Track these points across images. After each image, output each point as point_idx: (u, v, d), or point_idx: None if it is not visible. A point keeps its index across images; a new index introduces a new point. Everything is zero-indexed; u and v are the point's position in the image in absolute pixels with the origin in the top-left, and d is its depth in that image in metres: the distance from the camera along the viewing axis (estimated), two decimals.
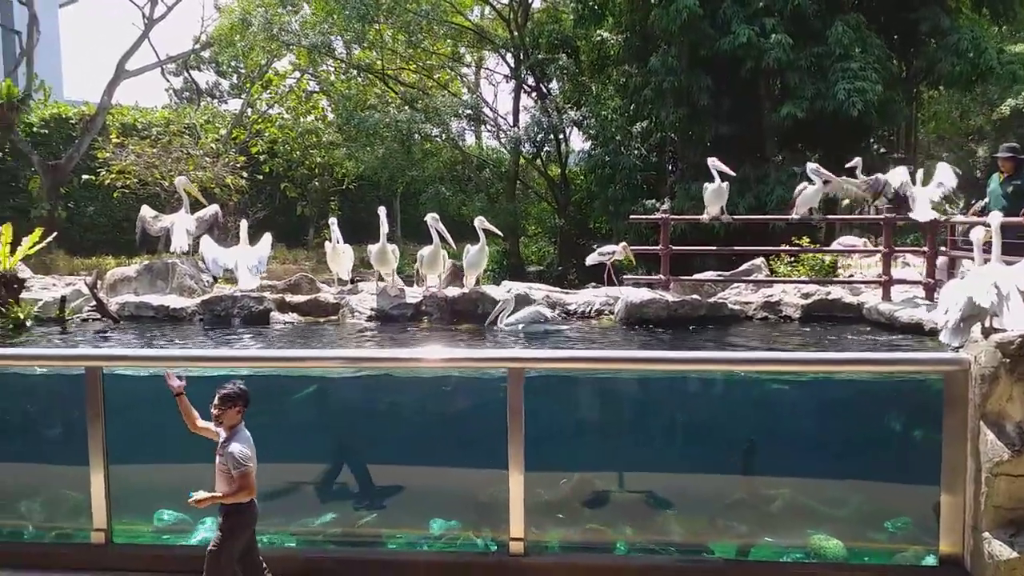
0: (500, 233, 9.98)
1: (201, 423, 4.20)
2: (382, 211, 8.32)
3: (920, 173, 7.74)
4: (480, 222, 8.19)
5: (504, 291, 8.34)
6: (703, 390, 5.47)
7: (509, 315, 7.48)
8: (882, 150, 18.04)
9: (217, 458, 4.03)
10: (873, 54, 14.55)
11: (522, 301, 8.16)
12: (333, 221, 8.76)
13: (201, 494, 4.00)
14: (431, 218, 8.14)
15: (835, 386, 5.31)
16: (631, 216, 11.38)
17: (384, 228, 8.20)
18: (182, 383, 4.21)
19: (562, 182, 21.57)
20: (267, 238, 8.65)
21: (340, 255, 8.66)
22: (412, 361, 5.23)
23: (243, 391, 4.07)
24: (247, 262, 8.24)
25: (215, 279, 9.10)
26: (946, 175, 7.59)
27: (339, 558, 5.01)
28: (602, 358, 5.52)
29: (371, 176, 22.25)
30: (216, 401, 4.03)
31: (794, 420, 5.44)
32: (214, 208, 9.64)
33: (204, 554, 4.59)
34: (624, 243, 8.68)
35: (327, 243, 8.76)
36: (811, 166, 7.98)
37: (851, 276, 10.36)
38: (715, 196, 8.27)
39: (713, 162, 8.32)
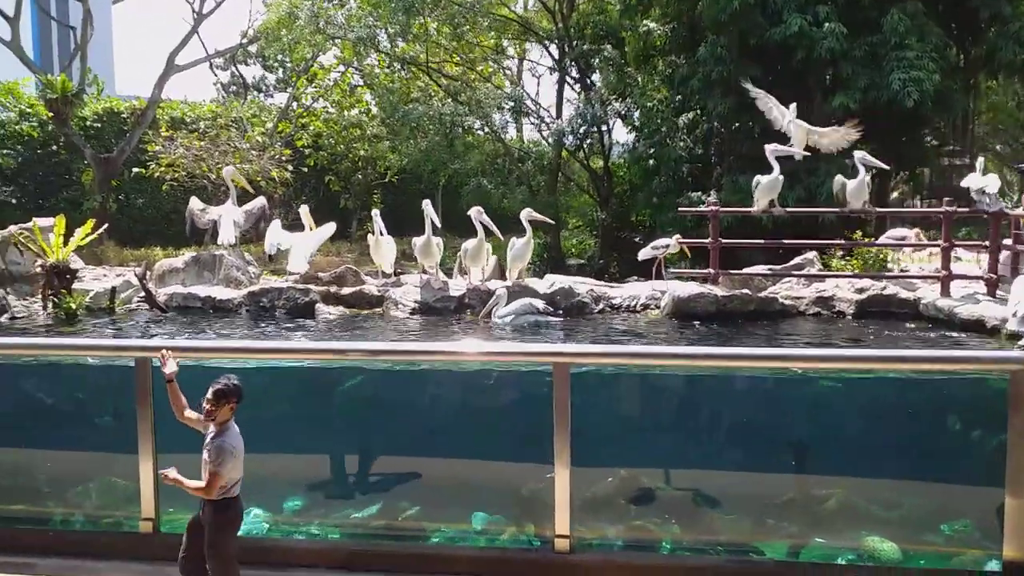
0: (551, 221, 9.88)
1: (189, 413, 4.02)
2: (428, 204, 8.30)
3: (980, 162, 7.45)
4: (527, 213, 8.11)
5: (547, 285, 8.27)
6: (754, 387, 5.31)
7: (502, 308, 7.43)
8: (935, 142, 17.50)
9: (205, 452, 3.88)
10: (931, 43, 14.07)
11: (566, 295, 8.09)
12: (376, 213, 8.76)
13: (173, 471, 3.87)
14: (475, 211, 8.09)
15: (892, 384, 5.12)
16: (679, 209, 11.19)
17: (430, 221, 8.17)
18: (175, 371, 4.01)
19: (604, 175, 21.36)
20: (330, 226, 8.77)
21: (383, 247, 8.64)
22: (456, 354, 5.17)
23: (237, 386, 3.85)
24: (304, 247, 8.33)
25: (270, 259, 9.20)
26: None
27: (381, 551, 4.97)
28: (649, 353, 5.39)
29: (414, 169, 22.29)
30: (210, 396, 3.81)
31: (848, 418, 5.26)
32: (261, 201, 9.75)
33: (251, 544, 4.63)
34: (678, 236, 8.52)
35: (370, 235, 8.77)
36: (858, 154, 7.73)
37: (904, 270, 10.05)
38: (769, 188, 8.07)
39: (773, 148, 8.05)
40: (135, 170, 21.00)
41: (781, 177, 8.13)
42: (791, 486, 5.04)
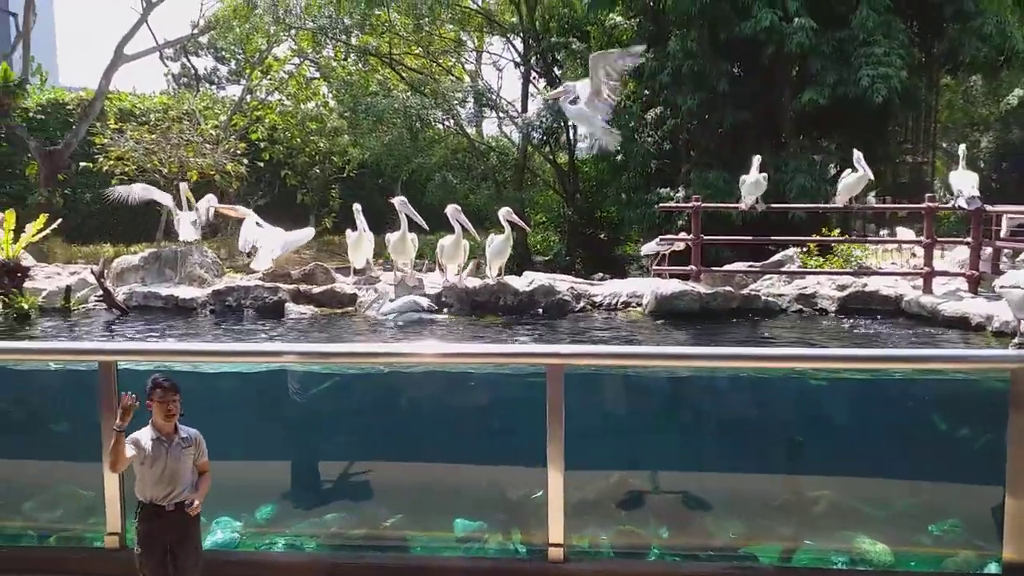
0: (527, 227, 9.74)
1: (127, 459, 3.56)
2: (400, 200, 8.02)
3: (963, 150, 7.44)
4: (506, 213, 7.89)
5: (527, 283, 8.08)
6: (748, 387, 5.19)
7: (386, 305, 7.48)
8: (899, 139, 17.74)
9: (180, 454, 3.58)
10: (897, 39, 14.21)
11: (546, 292, 7.92)
12: (358, 208, 8.42)
13: (197, 500, 3.62)
14: (452, 209, 7.87)
15: (885, 384, 5.05)
16: (659, 205, 11.09)
17: (405, 217, 7.90)
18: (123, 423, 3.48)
19: (570, 170, 21.24)
20: (309, 231, 8.53)
21: (364, 243, 8.34)
22: (453, 356, 4.95)
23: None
24: (271, 243, 8.03)
25: (248, 256, 8.97)
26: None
27: (363, 563, 4.73)
28: (645, 354, 5.23)
29: (375, 163, 21.92)
30: (170, 393, 3.52)
31: (843, 418, 5.20)
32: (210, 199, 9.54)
33: (225, 559, 4.35)
34: (683, 233, 8.51)
35: (349, 231, 8.43)
36: (857, 154, 7.71)
37: (878, 267, 10.10)
38: (754, 188, 8.15)
39: (757, 160, 8.28)
40: (82, 163, 20.30)
41: (764, 177, 8.19)
42: (795, 487, 4.92)
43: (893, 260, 10.55)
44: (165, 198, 9.33)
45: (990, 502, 4.61)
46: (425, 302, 7.57)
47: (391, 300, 7.57)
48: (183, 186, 9.70)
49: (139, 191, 9.47)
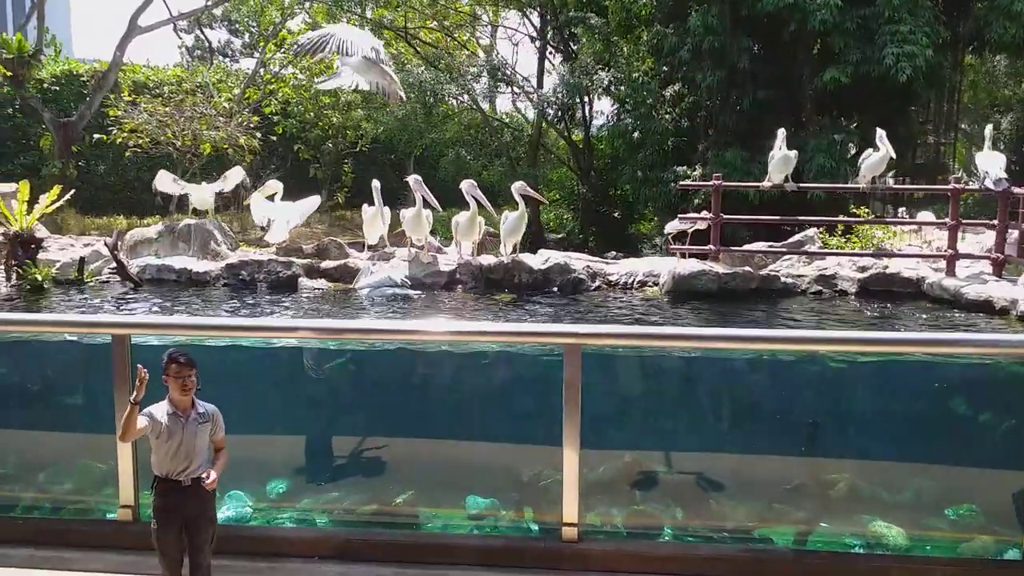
0: (544, 200, 9.62)
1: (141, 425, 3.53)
2: (415, 179, 7.93)
3: (989, 131, 7.26)
4: (520, 187, 7.78)
5: (541, 260, 8.01)
6: (766, 369, 5.11)
7: (363, 279, 7.57)
8: (920, 119, 17.43)
9: (197, 429, 3.56)
10: (923, 17, 13.85)
11: (561, 271, 7.86)
12: (376, 185, 8.31)
13: (214, 474, 3.59)
14: (467, 184, 7.78)
15: (905, 367, 4.95)
16: (679, 184, 10.90)
17: (420, 195, 7.82)
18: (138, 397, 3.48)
19: (585, 147, 21.01)
20: (315, 199, 8.40)
21: (380, 220, 8.25)
22: (470, 334, 4.88)
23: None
24: (286, 218, 7.98)
25: (262, 231, 8.89)
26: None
27: (377, 540, 4.69)
28: (665, 335, 5.15)
29: (389, 138, 21.75)
30: (186, 368, 3.49)
31: (861, 402, 5.11)
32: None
33: (235, 533, 4.33)
34: (705, 212, 8.38)
35: (366, 206, 8.33)
36: (880, 133, 7.53)
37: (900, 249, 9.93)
38: (783, 164, 7.96)
39: (783, 134, 8.03)
40: (96, 136, 20.27)
41: (794, 153, 7.98)
42: (811, 470, 4.85)
43: (910, 243, 10.37)
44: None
45: (1011, 488, 4.54)
46: (399, 278, 7.56)
47: (371, 274, 7.65)
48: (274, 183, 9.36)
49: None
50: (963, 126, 28.18)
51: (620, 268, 8.05)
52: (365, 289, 7.46)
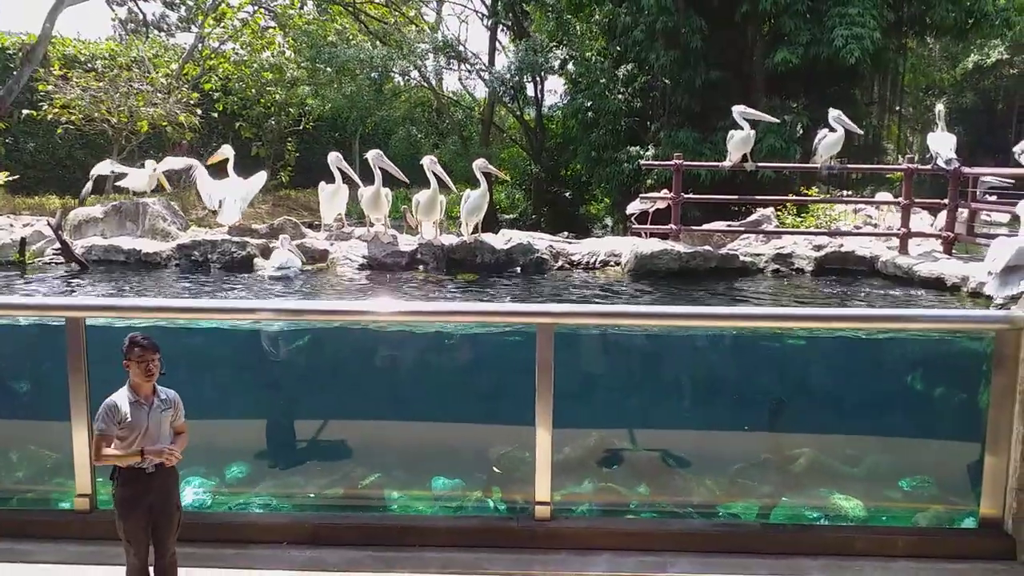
0: (505, 177, 9.53)
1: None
2: (376, 153, 7.74)
3: (941, 111, 7.43)
4: (482, 164, 7.69)
5: (504, 241, 7.94)
6: (731, 347, 5.16)
7: (269, 261, 7.46)
8: (865, 100, 17.83)
9: (160, 417, 3.45)
10: (871, 0, 14.15)
11: (524, 251, 7.81)
12: (333, 159, 8.04)
13: (177, 450, 3.46)
14: (428, 160, 7.64)
15: (863, 343, 5.06)
16: (641, 163, 10.94)
17: (379, 171, 7.65)
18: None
19: (538, 127, 20.96)
20: (261, 176, 8.11)
21: (338, 197, 8.05)
22: (445, 315, 4.84)
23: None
24: (236, 195, 7.71)
25: (213, 214, 8.56)
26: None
27: (346, 523, 4.62)
28: (637, 313, 5.16)
29: (336, 115, 21.31)
30: (149, 351, 3.37)
31: (822, 377, 5.21)
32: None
33: (201, 521, 4.21)
34: (666, 190, 8.37)
35: (323, 183, 8.11)
36: (833, 113, 7.64)
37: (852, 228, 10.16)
38: (743, 143, 7.95)
39: (741, 110, 7.99)
40: (25, 112, 19.38)
41: (753, 133, 8.02)
42: (774, 445, 4.93)
43: (855, 223, 10.61)
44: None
45: (965, 459, 4.68)
46: (298, 262, 7.39)
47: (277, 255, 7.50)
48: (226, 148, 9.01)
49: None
50: (898, 108, 29.01)
51: (582, 248, 8.05)
52: (268, 271, 7.23)
